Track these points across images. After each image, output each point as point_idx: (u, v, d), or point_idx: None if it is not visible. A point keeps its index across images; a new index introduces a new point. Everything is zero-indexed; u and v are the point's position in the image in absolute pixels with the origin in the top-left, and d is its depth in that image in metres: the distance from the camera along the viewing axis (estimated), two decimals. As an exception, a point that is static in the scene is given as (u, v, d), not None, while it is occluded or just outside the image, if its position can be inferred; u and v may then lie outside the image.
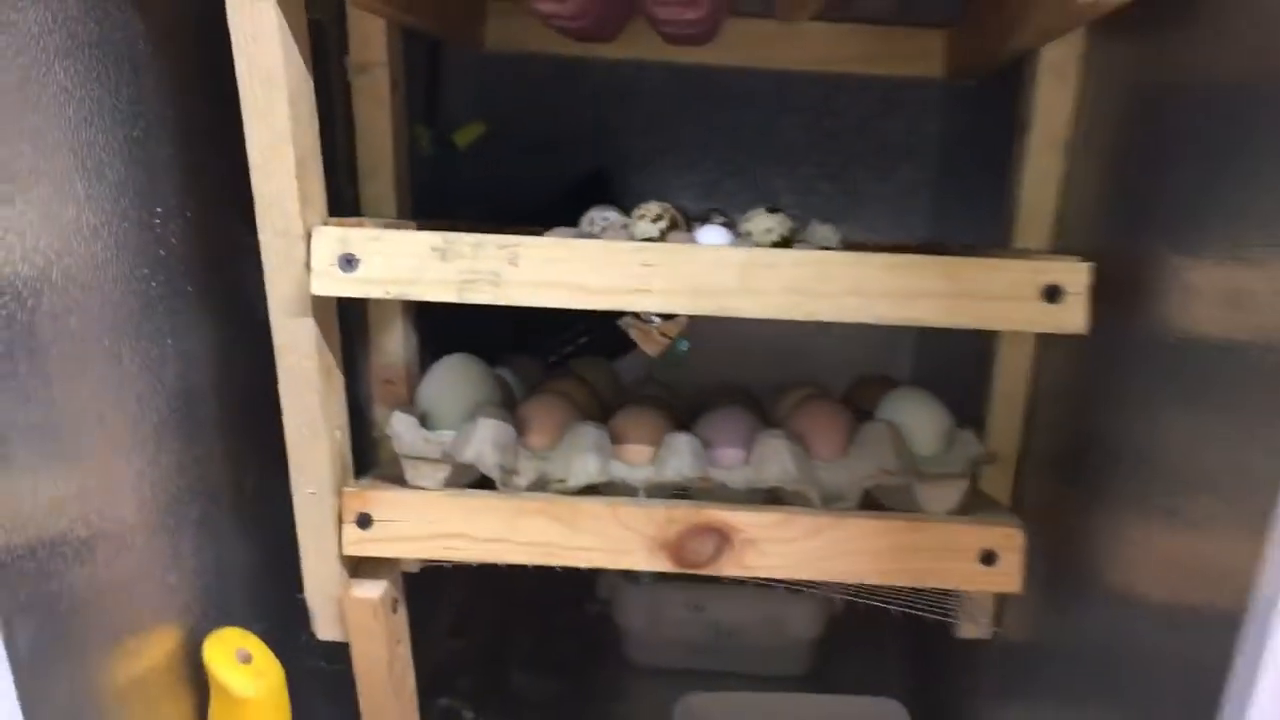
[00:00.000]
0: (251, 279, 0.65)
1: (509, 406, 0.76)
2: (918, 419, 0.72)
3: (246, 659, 0.69)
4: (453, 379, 0.75)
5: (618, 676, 1.19)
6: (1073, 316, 0.59)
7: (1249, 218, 0.48)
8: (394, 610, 0.75)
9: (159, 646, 0.66)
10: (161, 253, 0.63)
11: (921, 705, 1.03)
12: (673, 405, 0.81)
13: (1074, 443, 0.68)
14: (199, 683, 0.69)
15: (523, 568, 0.69)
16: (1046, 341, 0.74)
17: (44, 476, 0.53)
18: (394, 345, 0.80)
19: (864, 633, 1.22)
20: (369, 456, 0.80)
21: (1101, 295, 0.60)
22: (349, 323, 0.72)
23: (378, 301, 0.79)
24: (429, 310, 0.74)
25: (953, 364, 0.94)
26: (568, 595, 1.29)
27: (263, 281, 0.63)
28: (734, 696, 1.04)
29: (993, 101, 0.88)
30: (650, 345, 0.61)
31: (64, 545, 0.55)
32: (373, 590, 0.72)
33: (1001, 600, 0.83)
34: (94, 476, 0.57)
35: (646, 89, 1.15)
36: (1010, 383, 0.76)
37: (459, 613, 1.28)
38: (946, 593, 0.75)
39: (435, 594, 1.28)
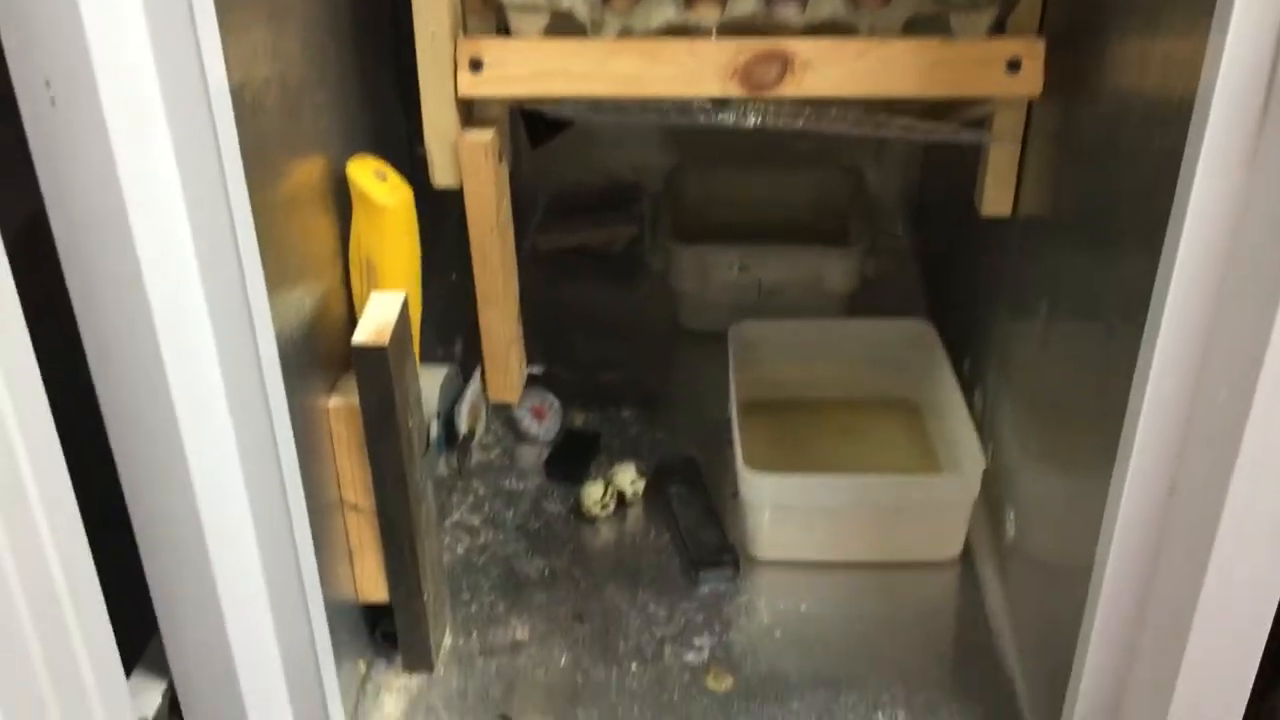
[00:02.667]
0: None
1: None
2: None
3: (383, 178, 0.81)
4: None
5: (673, 339, 1.32)
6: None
7: None
8: (500, 160, 0.87)
9: (314, 169, 0.78)
10: None
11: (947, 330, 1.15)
12: None
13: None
14: (344, 200, 0.81)
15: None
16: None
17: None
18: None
19: (893, 285, 1.35)
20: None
21: None
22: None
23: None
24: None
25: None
26: (615, 270, 1.43)
27: None
28: (780, 323, 1.18)
29: None
30: None
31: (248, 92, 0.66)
32: (483, 135, 0.85)
33: (1020, 179, 0.96)
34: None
35: None
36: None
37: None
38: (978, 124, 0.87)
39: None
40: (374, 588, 0.87)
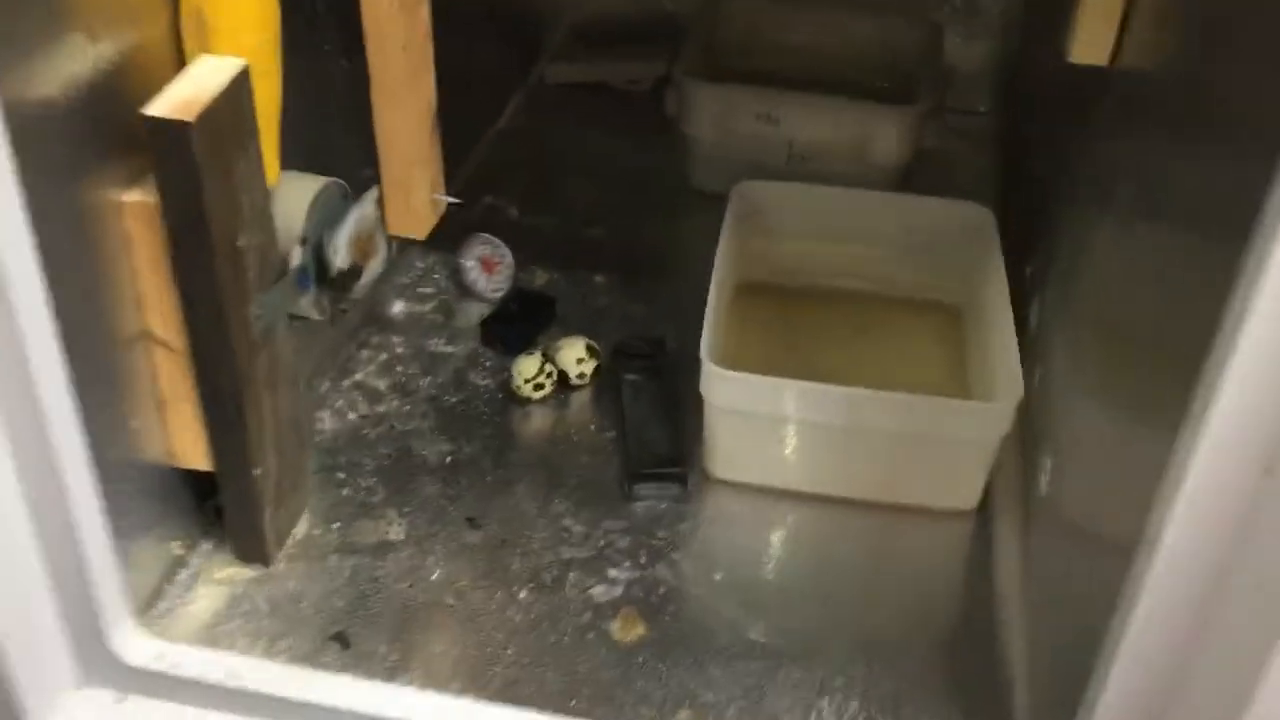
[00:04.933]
0: None
1: None
2: None
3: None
4: None
5: (681, 198, 1.08)
6: None
7: None
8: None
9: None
10: None
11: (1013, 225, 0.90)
12: None
13: None
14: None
15: None
16: None
17: None
18: None
19: (963, 169, 1.10)
20: None
21: None
22: None
23: None
24: None
25: None
26: (634, 115, 1.19)
27: None
28: (797, 187, 0.93)
29: None
30: None
31: None
32: None
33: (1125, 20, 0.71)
34: None
35: None
36: None
37: (513, 116, 1.19)
38: None
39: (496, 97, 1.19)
40: (192, 450, 0.68)
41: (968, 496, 0.77)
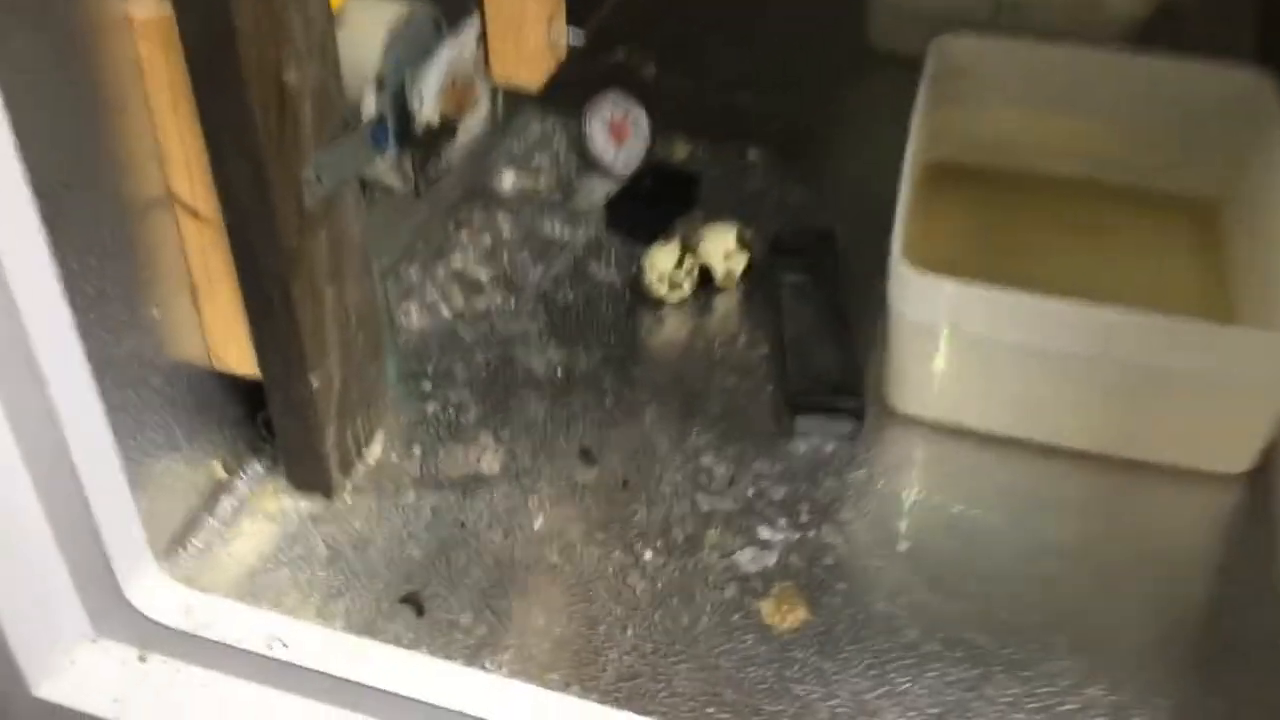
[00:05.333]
0: None
1: None
2: None
3: None
4: None
5: (857, 61, 0.89)
6: None
7: None
8: None
9: None
10: None
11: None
12: None
13: None
14: None
15: None
16: None
17: None
18: None
19: (1220, 27, 0.88)
20: None
21: None
22: None
23: None
24: None
25: None
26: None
27: None
28: (1011, 44, 0.74)
29: None
30: None
31: None
32: None
33: None
34: None
35: None
36: None
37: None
38: None
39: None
40: (232, 349, 0.53)
41: (1239, 458, 0.59)
